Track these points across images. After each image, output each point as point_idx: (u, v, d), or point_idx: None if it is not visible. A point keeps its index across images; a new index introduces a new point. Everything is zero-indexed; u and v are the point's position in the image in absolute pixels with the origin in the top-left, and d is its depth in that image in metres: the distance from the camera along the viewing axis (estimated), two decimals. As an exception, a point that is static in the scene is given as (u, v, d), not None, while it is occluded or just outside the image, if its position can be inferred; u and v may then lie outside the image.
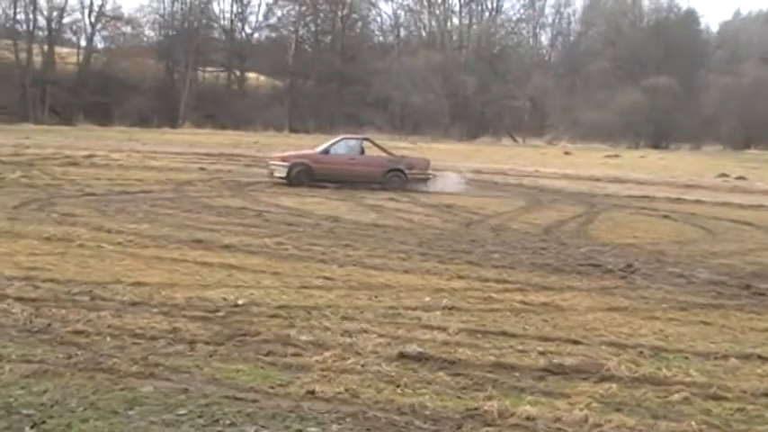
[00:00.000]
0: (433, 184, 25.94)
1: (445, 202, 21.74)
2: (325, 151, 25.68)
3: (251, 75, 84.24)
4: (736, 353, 7.85)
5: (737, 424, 5.99)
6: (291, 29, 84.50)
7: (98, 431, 5.28)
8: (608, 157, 50.80)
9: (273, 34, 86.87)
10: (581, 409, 6.01)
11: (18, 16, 73.41)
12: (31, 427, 5.28)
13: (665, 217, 20.93)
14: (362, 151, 26.30)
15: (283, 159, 25.50)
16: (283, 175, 24.81)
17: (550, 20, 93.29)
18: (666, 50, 78.45)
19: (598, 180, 32.81)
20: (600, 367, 7.05)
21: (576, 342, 7.95)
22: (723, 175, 37.53)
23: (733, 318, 9.51)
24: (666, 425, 5.85)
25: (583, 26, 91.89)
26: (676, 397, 6.43)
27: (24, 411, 5.52)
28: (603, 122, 72.06)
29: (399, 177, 25.48)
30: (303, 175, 24.70)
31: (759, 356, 7.75)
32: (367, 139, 27.41)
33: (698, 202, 25.37)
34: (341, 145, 26.22)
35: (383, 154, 26.62)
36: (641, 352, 7.71)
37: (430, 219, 18.23)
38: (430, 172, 26.42)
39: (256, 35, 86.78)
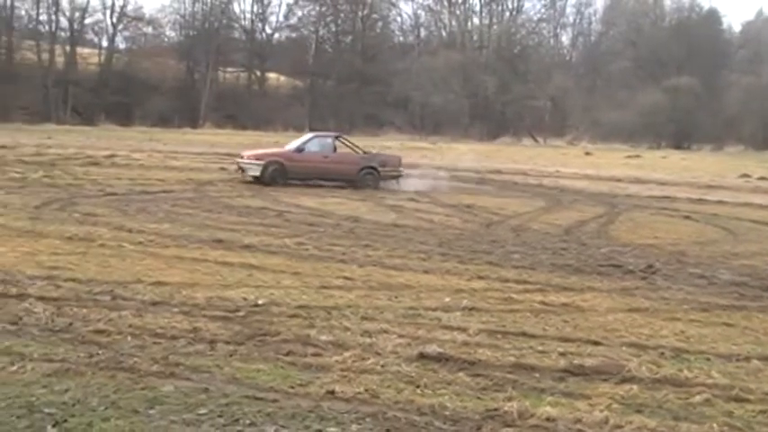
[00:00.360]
0: (406, 182, 25.93)
1: (465, 202, 21.72)
2: (299, 149, 25.22)
3: (271, 75, 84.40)
4: (758, 354, 7.81)
5: (759, 426, 5.95)
6: (312, 29, 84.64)
7: (119, 430, 5.31)
8: (629, 157, 50.58)
9: (294, 34, 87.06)
10: (601, 411, 5.99)
11: (41, 17, 73.96)
12: (53, 426, 5.31)
13: (687, 218, 20.84)
14: (335, 149, 25.97)
15: (257, 158, 25.07)
16: (257, 174, 24.35)
17: (571, 20, 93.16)
18: (688, 50, 78.08)
19: (619, 180, 32.69)
20: (621, 368, 7.02)
21: (596, 343, 7.93)
22: (745, 175, 37.32)
23: (755, 319, 9.46)
24: (688, 427, 5.82)
25: (604, 26, 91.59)
26: (698, 399, 6.40)
27: (46, 410, 5.55)
28: (624, 123, 71.79)
29: (373, 175, 25.27)
30: (277, 174, 24.33)
31: (781, 358, 7.70)
32: (339, 137, 27.05)
33: (720, 202, 25.23)
34: (314, 143, 25.74)
35: (356, 151, 26.28)
36: (662, 353, 7.68)
37: (450, 219, 18.22)
38: (402, 169, 26.32)
39: (277, 35, 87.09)
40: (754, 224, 19.96)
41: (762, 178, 35.83)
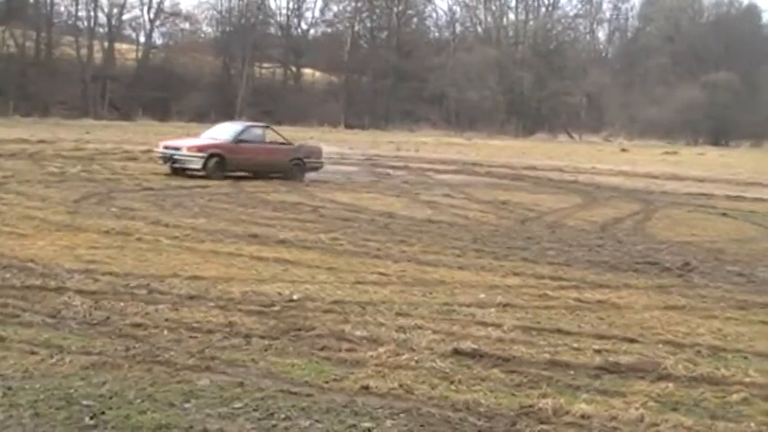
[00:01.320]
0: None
1: (500, 198, 21.67)
2: (236, 140, 24.12)
3: (307, 70, 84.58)
4: (796, 353, 7.72)
5: (797, 426, 5.89)
6: (347, 24, 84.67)
7: (155, 423, 5.34)
8: (666, 154, 50.22)
9: (329, 30, 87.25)
10: (637, 409, 5.95)
11: (79, 13, 74.63)
12: (91, 418, 5.35)
13: (724, 215, 20.67)
14: (264, 140, 25.40)
15: (199, 149, 23.52)
16: (198, 166, 23.01)
17: (608, 15, 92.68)
18: (727, 46, 77.43)
19: (655, 177, 32.42)
20: (657, 366, 6.98)
21: (632, 340, 7.89)
22: (785, 172, 36.91)
23: (793, 317, 9.36)
24: (725, 425, 5.77)
25: (641, 22, 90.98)
26: (735, 397, 6.35)
27: (84, 402, 5.60)
28: (661, 119, 71.32)
29: (299, 166, 24.77)
30: (218, 167, 23.13)
31: (820, 357, 7.61)
32: (268, 127, 26.64)
33: (758, 200, 24.97)
34: (248, 133, 24.90)
35: (284, 142, 25.77)
36: (699, 351, 7.62)
37: (485, 215, 18.18)
38: (323, 160, 25.93)
39: (312, 31, 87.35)
40: (793, 222, 19.75)
41: (801, 175, 35.44)
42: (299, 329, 7.62)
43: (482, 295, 9.62)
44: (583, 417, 5.78)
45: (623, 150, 53.96)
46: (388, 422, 5.57)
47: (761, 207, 22.87)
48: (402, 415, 5.68)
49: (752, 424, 5.82)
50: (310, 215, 16.64)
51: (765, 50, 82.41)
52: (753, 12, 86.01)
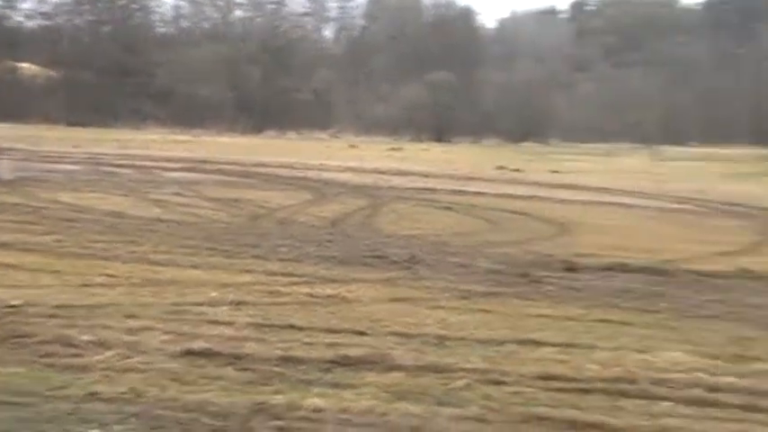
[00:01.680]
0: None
1: (231, 195, 21.55)
2: None
3: (24, 65, 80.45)
4: (513, 338, 8.14)
5: (515, 406, 6.20)
6: (67, 17, 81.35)
7: None
8: (392, 150, 51.72)
9: (48, 22, 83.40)
10: (368, 399, 6.09)
11: None
12: None
13: (448, 209, 21.51)
14: None
15: None
16: None
17: (334, 14, 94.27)
18: (445, 46, 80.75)
19: (382, 173, 33.27)
20: (386, 357, 7.17)
21: (361, 333, 8.05)
22: (501, 167, 38.96)
23: (510, 305, 9.88)
24: (450, 411, 6.00)
25: (366, 21, 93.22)
26: (459, 383, 6.61)
27: None
28: (387, 116, 73.54)
29: None
30: None
31: (534, 341, 8.06)
32: None
33: (478, 193, 26.16)
34: None
35: None
36: (426, 341, 7.87)
37: (216, 213, 18.04)
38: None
39: (30, 23, 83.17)
40: (511, 214, 20.86)
41: (516, 170, 37.59)
42: (20, 336, 7.24)
43: (214, 294, 9.53)
44: (315, 410, 5.84)
45: (351, 147, 55.09)
46: (117, 427, 5.40)
47: (480, 201, 24.00)
48: (132, 419, 5.53)
49: (474, 407, 6.09)
50: (31, 216, 15.86)
51: (480, 52, 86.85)
52: (467, 13, 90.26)
